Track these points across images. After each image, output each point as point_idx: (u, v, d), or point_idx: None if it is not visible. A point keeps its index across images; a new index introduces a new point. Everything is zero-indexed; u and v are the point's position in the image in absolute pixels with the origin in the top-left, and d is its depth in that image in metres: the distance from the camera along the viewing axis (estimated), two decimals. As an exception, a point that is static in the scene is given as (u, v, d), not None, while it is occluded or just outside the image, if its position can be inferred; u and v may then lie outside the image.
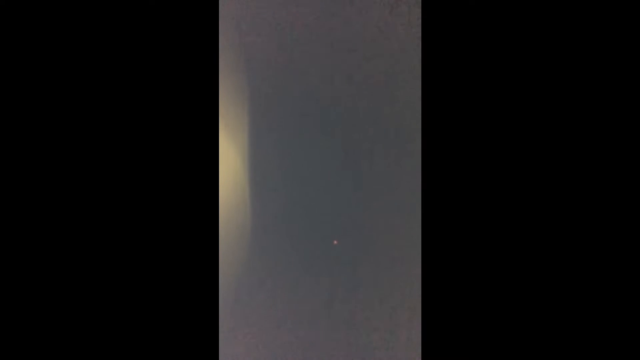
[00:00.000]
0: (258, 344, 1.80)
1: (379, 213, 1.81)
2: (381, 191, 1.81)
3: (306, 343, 1.79)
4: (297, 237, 1.82)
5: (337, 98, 1.80)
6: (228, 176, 1.82)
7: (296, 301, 1.80)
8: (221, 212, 1.80)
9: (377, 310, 1.79)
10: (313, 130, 1.81)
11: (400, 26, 1.78)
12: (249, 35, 1.79)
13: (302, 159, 1.82)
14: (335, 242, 1.80)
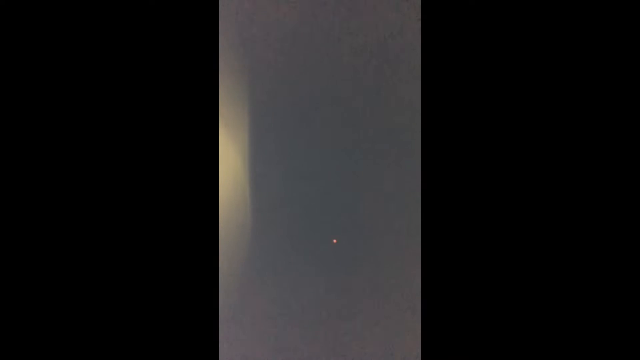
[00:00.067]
0: (258, 344, 1.80)
1: (379, 213, 1.81)
2: (381, 191, 1.81)
3: (306, 343, 1.80)
4: (297, 237, 1.82)
5: (337, 98, 1.80)
6: (228, 176, 1.82)
7: (296, 301, 1.80)
8: (221, 212, 1.80)
9: (377, 310, 1.79)
10: (313, 130, 1.81)
11: (400, 26, 1.78)
12: (249, 35, 1.79)
13: (302, 158, 1.82)
14: (334, 241, 1.80)
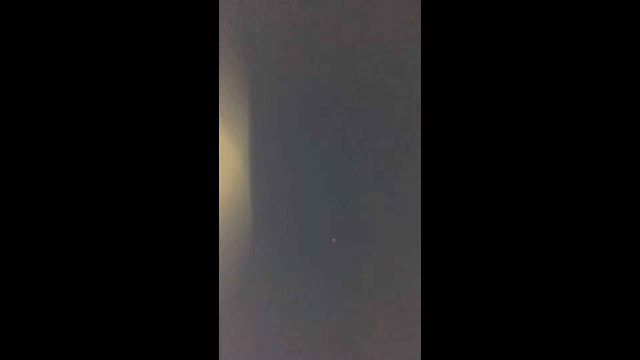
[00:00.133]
0: (258, 344, 1.80)
1: (379, 213, 1.81)
2: (381, 191, 1.81)
3: (306, 343, 1.79)
4: (297, 237, 1.82)
5: (337, 98, 1.80)
6: (228, 176, 1.82)
7: (296, 301, 1.80)
8: (221, 212, 1.80)
9: (377, 310, 1.79)
10: (313, 130, 1.81)
11: (400, 25, 1.78)
12: (248, 34, 1.78)
13: (302, 158, 1.82)
14: (333, 239, 1.80)
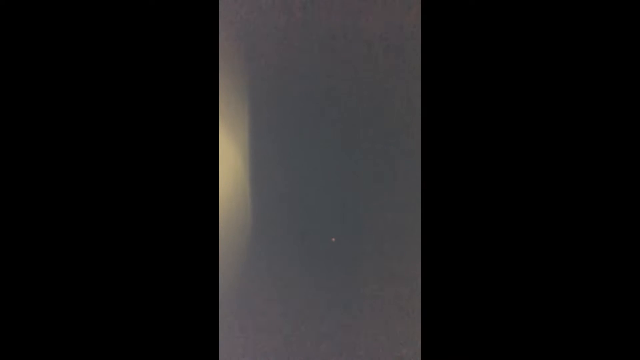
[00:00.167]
0: (258, 344, 1.80)
1: (379, 213, 1.81)
2: (381, 191, 1.81)
3: (306, 343, 1.79)
4: (297, 237, 1.81)
5: (337, 98, 1.80)
6: (228, 176, 1.81)
7: (296, 301, 1.80)
8: (221, 212, 1.80)
9: (377, 310, 1.79)
10: (313, 130, 1.81)
11: (400, 26, 1.78)
12: (248, 34, 1.78)
13: (302, 158, 1.82)
14: (333, 239, 1.80)
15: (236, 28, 1.78)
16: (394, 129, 1.80)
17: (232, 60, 1.79)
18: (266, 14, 1.78)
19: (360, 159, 1.81)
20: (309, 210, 1.81)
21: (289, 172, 1.82)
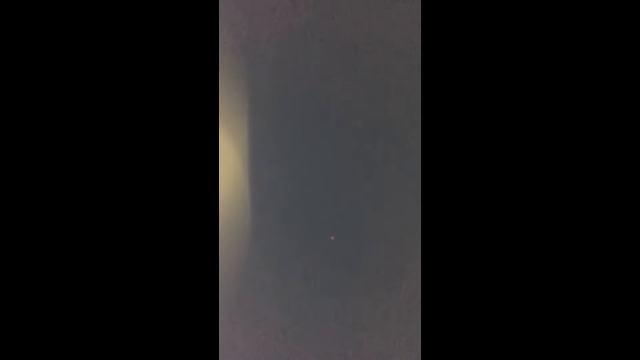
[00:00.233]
0: (258, 344, 1.80)
1: (379, 213, 1.81)
2: (381, 191, 1.81)
3: (306, 343, 1.79)
4: (297, 237, 1.82)
5: (337, 98, 1.80)
6: (228, 176, 1.82)
7: (296, 301, 1.80)
8: (221, 212, 1.80)
9: (378, 310, 1.79)
10: (313, 130, 1.81)
11: (400, 26, 1.78)
12: (248, 35, 1.78)
13: (302, 158, 1.82)
14: (332, 237, 1.80)
15: (236, 28, 1.78)
16: (394, 129, 1.80)
17: (232, 60, 1.79)
18: (266, 14, 1.78)
19: (360, 159, 1.81)
20: (309, 210, 1.82)
21: (289, 173, 1.82)
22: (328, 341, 1.79)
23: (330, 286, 1.81)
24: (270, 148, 1.82)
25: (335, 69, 1.80)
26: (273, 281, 1.81)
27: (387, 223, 1.81)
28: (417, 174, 1.79)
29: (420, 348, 1.77)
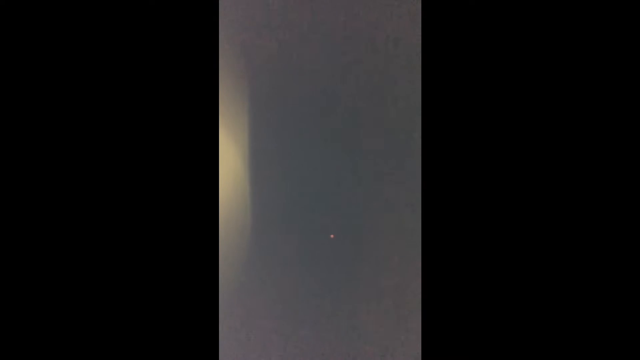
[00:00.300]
0: (258, 344, 1.80)
1: (379, 212, 1.81)
2: (381, 190, 1.81)
3: (306, 343, 1.79)
4: (297, 237, 1.82)
5: (337, 98, 1.80)
6: (228, 176, 1.81)
7: (296, 301, 1.80)
8: (221, 212, 1.80)
9: (378, 310, 1.79)
10: (313, 130, 1.81)
11: (400, 26, 1.78)
12: (248, 35, 1.78)
13: (302, 158, 1.82)
14: (332, 236, 1.80)
15: (236, 27, 1.78)
16: (394, 129, 1.80)
17: (232, 60, 1.79)
18: (266, 14, 1.78)
19: (360, 159, 1.81)
20: (309, 210, 1.82)
21: (289, 172, 1.82)
22: (328, 341, 1.79)
23: (330, 286, 1.81)
24: (270, 147, 1.82)
25: (336, 69, 1.80)
26: (273, 281, 1.81)
27: (387, 223, 1.80)
28: (417, 174, 1.79)
29: (420, 348, 1.77)
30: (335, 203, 1.81)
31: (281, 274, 1.81)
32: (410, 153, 1.80)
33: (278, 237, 1.82)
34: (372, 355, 1.79)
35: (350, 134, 1.81)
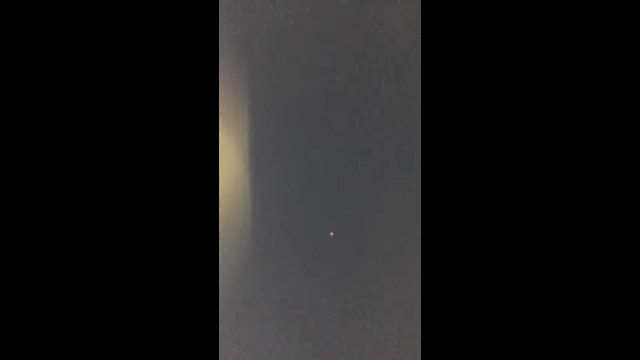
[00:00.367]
0: (258, 344, 1.80)
1: (379, 212, 1.81)
2: (381, 190, 1.81)
3: (306, 343, 1.79)
4: (297, 237, 1.82)
5: (337, 98, 1.80)
6: (228, 176, 1.81)
7: (296, 301, 1.80)
8: (221, 212, 1.80)
9: (378, 310, 1.79)
10: (313, 130, 1.81)
11: (400, 26, 1.78)
12: (248, 35, 1.78)
13: (302, 158, 1.82)
14: (331, 234, 1.80)
15: (236, 27, 1.78)
16: (394, 129, 1.80)
17: (232, 60, 1.79)
18: (266, 14, 1.78)
19: (360, 159, 1.81)
20: (309, 210, 1.82)
21: (289, 172, 1.82)
22: (328, 341, 1.79)
23: (330, 286, 1.81)
24: (270, 147, 1.82)
25: (336, 69, 1.80)
26: (273, 281, 1.81)
27: (387, 223, 1.80)
28: (417, 174, 1.79)
29: (420, 348, 1.77)
30: (335, 203, 1.81)
31: (281, 274, 1.81)
32: (410, 153, 1.80)
33: (278, 237, 1.82)
34: (372, 355, 1.79)
35: (350, 134, 1.81)
